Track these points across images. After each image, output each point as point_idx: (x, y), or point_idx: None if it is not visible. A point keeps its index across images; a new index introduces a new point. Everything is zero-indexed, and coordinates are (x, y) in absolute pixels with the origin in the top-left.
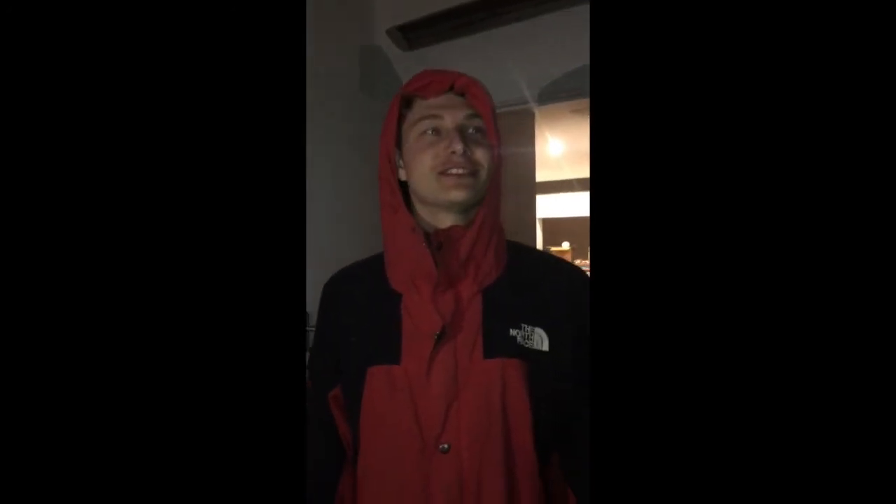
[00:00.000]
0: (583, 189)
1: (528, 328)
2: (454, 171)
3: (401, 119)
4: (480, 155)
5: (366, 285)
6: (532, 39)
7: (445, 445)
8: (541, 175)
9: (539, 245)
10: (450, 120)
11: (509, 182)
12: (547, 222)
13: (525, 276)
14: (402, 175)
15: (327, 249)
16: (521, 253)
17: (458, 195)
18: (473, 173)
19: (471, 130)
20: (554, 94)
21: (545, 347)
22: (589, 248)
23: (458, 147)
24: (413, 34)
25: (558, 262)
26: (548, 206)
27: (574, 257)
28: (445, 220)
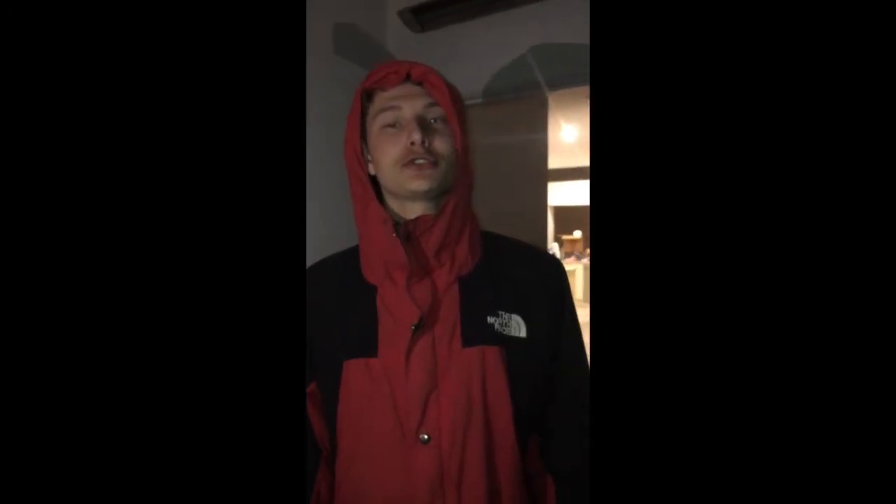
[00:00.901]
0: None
1: (506, 315)
2: (415, 161)
3: (364, 113)
4: (441, 145)
5: (341, 279)
6: (547, 23)
7: (426, 436)
8: (553, 162)
9: (550, 233)
10: (408, 110)
11: (521, 168)
12: (559, 210)
13: (501, 264)
14: (372, 169)
15: (325, 241)
16: (496, 242)
17: (419, 185)
18: (434, 163)
19: (432, 120)
20: (568, 80)
21: (523, 334)
22: None
23: (417, 137)
24: (425, 16)
25: (533, 251)
26: (560, 194)
27: (585, 246)
28: (415, 211)
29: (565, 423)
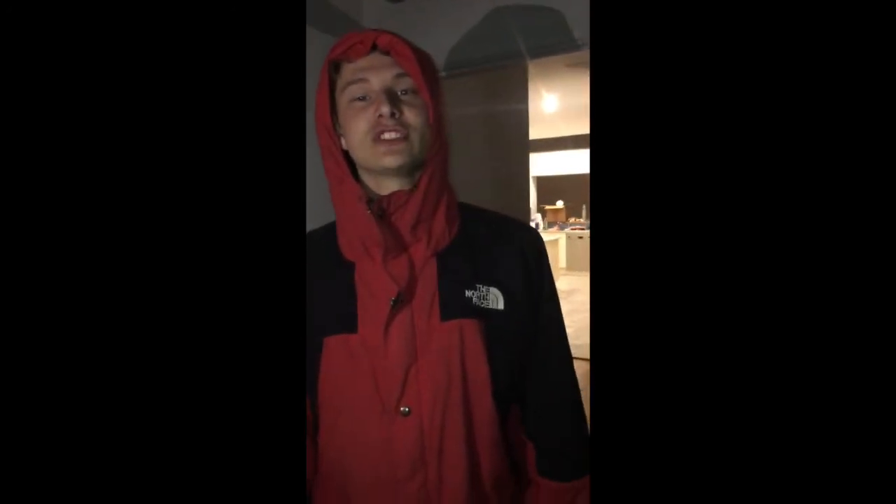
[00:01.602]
0: (577, 146)
1: (483, 288)
2: (385, 135)
3: (333, 86)
4: (412, 117)
5: (318, 256)
6: None
7: (406, 409)
8: (535, 132)
9: (533, 203)
10: (377, 82)
11: (502, 139)
12: (541, 180)
13: (478, 236)
14: (345, 144)
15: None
16: (474, 214)
17: (391, 161)
18: (405, 137)
19: (401, 91)
20: (549, 48)
21: (501, 306)
22: (583, 207)
23: (385, 110)
24: None
25: (510, 222)
26: (542, 164)
27: (568, 216)
28: (390, 186)
29: (543, 390)
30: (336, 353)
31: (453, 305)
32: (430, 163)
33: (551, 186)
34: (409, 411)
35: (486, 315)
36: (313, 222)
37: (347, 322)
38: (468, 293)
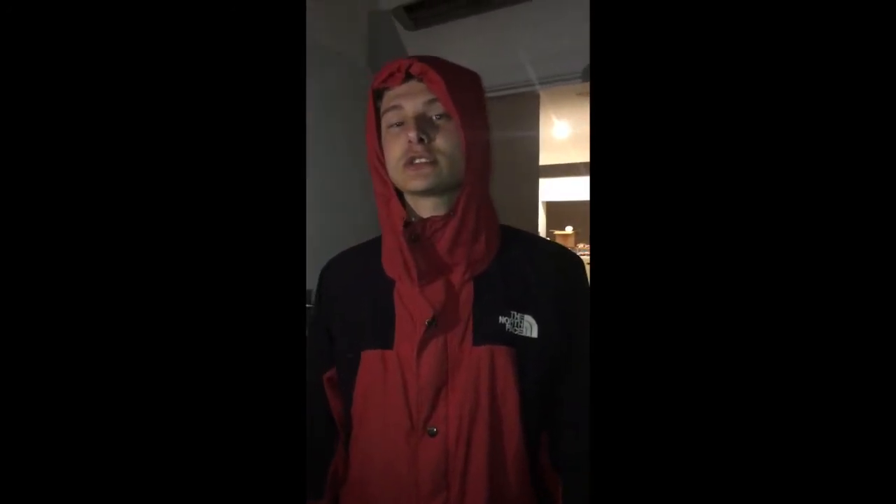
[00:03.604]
0: (588, 173)
1: (518, 315)
2: (414, 160)
3: (378, 113)
4: (442, 142)
5: (362, 270)
6: (540, 19)
7: (434, 429)
8: (545, 158)
9: (542, 229)
10: (409, 109)
11: (512, 165)
12: (551, 206)
13: (517, 261)
14: None
15: (328, 228)
16: (514, 238)
17: (417, 185)
18: (433, 162)
19: (435, 116)
20: (560, 76)
21: (534, 334)
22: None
23: (413, 136)
24: (418, 14)
25: (550, 247)
26: (552, 190)
27: (577, 241)
28: (426, 207)
29: (574, 420)
30: (371, 366)
31: (486, 331)
32: (466, 186)
33: (560, 212)
34: (437, 432)
35: (518, 342)
36: (313, 222)
37: (384, 338)
38: (502, 319)
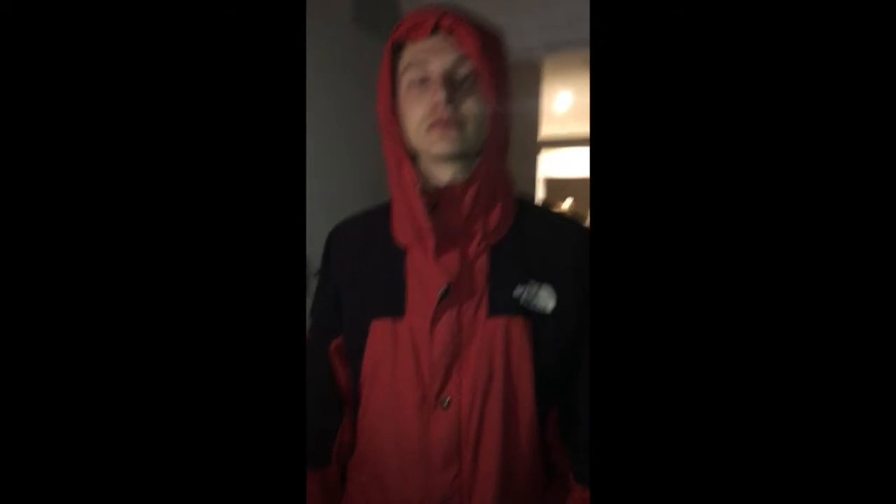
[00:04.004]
0: (587, 145)
1: (535, 286)
2: (440, 122)
3: (395, 67)
4: (469, 105)
5: (372, 236)
6: None
7: (447, 401)
8: (547, 130)
9: (539, 202)
10: (436, 67)
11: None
12: (550, 182)
13: (533, 232)
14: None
15: (332, 193)
16: (529, 209)
17: (441, 148)
18: (460, 125)
19: (462, 77)
20: (564, 43)
21: (550, 306)
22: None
23: (441, 96)
24: None
25: (565, 220)
26: (553, 163)
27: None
28: (446, 173)
29: (585, 396)
30: (382, 336)
31: (501, 302)
32: (487, 154)
33: (559, 185)
34: (449, 404)
35: (533, 315)
36: (313, 220)
37: (395, 307)
38: (518, 290)
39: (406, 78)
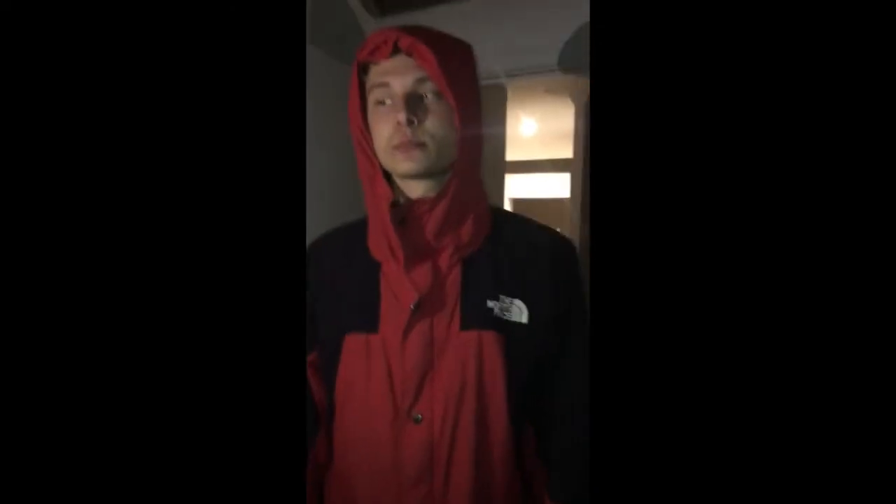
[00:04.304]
0: (554, 170)
1: (507, 300)
2: (403, 142)
3: (363, 86)
4: (432, 124)
5: (348, 251)
6: (509, 11)
7: (419, 416)
8: (512, 154)
9: None
10: (397, 87)
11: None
12: (517, 203)
13: (507, 245)
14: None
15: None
16: (506, 221)
17: (405, 168)
18: (423, 144)
19: (426, 95)
20: (528, 70)
21: (524, 319)
22: (557, 230)
23: (402, 117)
24: (386, 1)
25: (543, 231)
26: (518, 187)
27: None
28: (417, 189)
29: (561, 412)
30: (355, 351)
31: (474, 315)
32: (457, 169)
33: (526, 209)
34: (421, 419)
35: (507, 328)
36: (313, 221)
37: (369, 322)
38: (490, 304)
39: (372, 98)
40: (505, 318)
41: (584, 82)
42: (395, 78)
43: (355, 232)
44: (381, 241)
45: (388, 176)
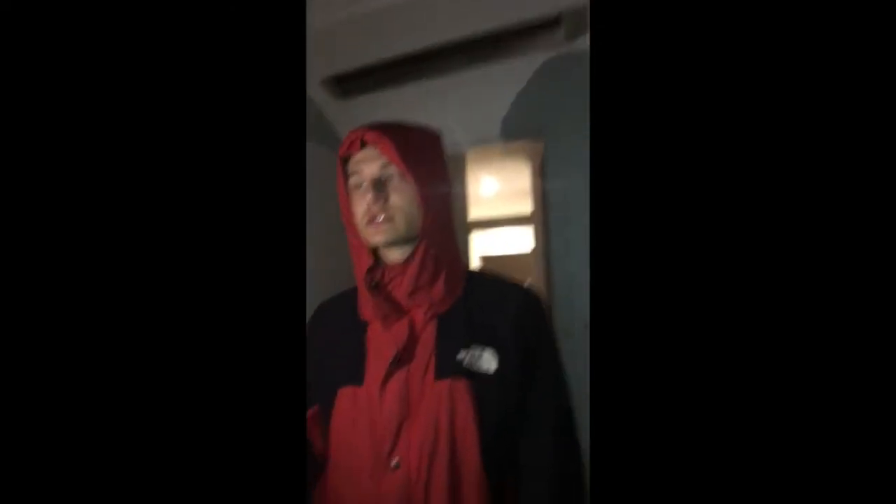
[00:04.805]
0: (518, 224)
1: (478, 350)
2: (374, 219)
3: (346, 175)
4: (398, 199)
5: (343, 314)
6: (465, 89)
7: (396, 462)
8: (477, 213)
9: None
10: (367, 173)
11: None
12: (487, 260)
13: (478, 300)
14: None
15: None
16: (479, 280)
17: (376, 240)
18: (389, 218)
19: (390, 177)
20: (486, 138)
21: (492, 368)
22: (527, 281)
23: (369, 198)
24: (346, 84)
25: (511, 287)
26: (485, 244)
27: None
28: (396, 255)
29: (534, 459)
30: (345, 402)
31: (447, 366)
32: (423, 237)
33: (495, 265)
34: (399, 465)
35: (477, 376)
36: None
37: (357, 375)
38: (461, 354)
39: (351, 184)
40: (474, 367)
41: (537, 146)
42: (364, 166)
43: (347, 298)
44: (366, 304)
45: (376, 248)
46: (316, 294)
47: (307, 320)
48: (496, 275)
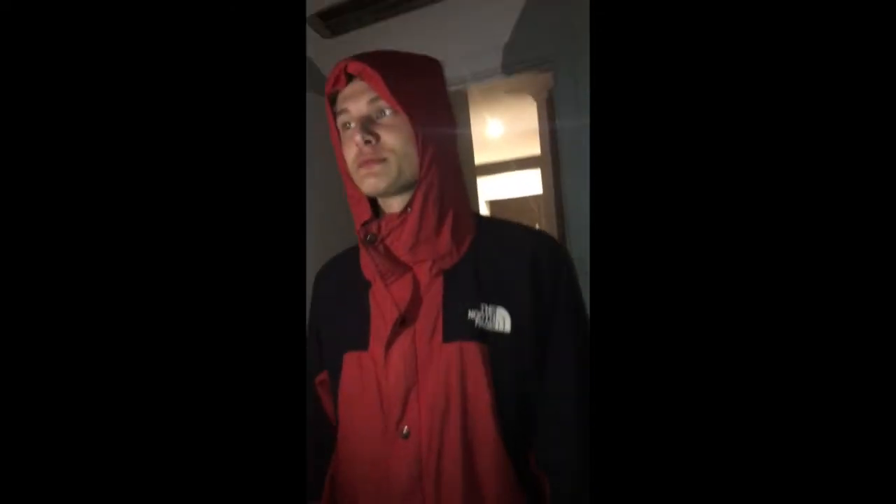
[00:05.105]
0: (523, 168)
1: (489, 308)
2: (366, 161)
3: (336, 116)
4: (391, 139)
5: (345, 275)
6: (459, 17)
7: (406, 430)
8: (482, 157)
9: None
10: (354, 110)
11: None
12: (493, 204)
13: (488, 253)
14: None
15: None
16: (488, 227)
17: (369, 184)
18: (383, 160)
19: (383, 114)
20: (487, 72)
21: (507, 328)
22: (536, 227)
23: (358, 138)
24: (333, 20)
25: (525, 233)
26: (492, 189)
27: None
28: (395, 206)
29: (554, 420)
30: (351, 368)
31: (456, 327)
32: (422, 181)
33: (502, 209)
34: (409, 433)
35: (489, 338)
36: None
37: (362, 340)
38: (472, 314)
39: (339, 124)
40: (487, 328)
41: (543, 78)
42: (351, 102)
43: (353, 256)
44: (368, 261)
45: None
46: (317, 254)
47: (313, 280)
48: (505, 222)
